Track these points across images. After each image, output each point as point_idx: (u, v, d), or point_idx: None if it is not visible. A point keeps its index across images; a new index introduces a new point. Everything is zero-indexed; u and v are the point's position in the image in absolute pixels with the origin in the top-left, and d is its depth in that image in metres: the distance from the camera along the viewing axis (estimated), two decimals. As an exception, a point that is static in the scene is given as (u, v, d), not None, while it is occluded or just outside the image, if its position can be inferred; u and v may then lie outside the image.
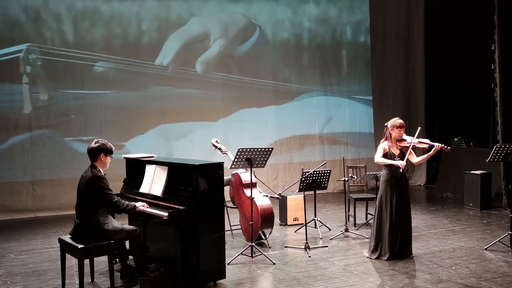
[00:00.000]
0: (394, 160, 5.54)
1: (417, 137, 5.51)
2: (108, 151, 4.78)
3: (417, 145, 5.50)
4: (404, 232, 5.60)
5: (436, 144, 5.42)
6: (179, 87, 9.40)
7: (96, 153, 4.73)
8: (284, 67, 10.29)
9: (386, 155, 5.59)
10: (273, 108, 10.16)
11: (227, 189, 5.92)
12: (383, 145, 5.62)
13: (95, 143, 4.76)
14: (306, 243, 6.07)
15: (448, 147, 5.45)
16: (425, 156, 5.61)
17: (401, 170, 5.51)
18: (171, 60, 9.38)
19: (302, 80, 10.42)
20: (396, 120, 5.61)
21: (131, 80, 9.08)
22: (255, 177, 6.18)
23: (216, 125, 9.67)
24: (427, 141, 5.52)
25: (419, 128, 5.71)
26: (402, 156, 5.58)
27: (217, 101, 9.68)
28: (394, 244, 5.56)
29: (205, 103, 9.57)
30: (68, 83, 8.73)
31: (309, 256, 5.80)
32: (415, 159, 5.66)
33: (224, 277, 4.93)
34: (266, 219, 6.22)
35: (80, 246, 4.48)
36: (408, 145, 5.50)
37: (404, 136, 5.59)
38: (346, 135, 10.79)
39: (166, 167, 5.02)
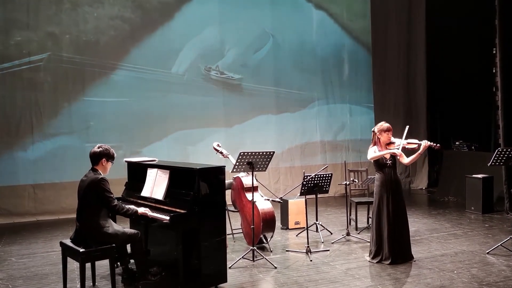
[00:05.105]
0: (385, 162, 5.58)
1: (405, 138, 5.56)
2: (110, 157, 4.80)
3: (406, 146, 5.56)
4: (403, 234, 5.62)
5: (423, 142, 5.46)
6: (194, 95, 9.51)
7: (99, 158, 4.75)
8: (295, 75, 10.37)
9: (377, 161, 5.62)
10: (287, 115, 10.29)
11: (228, 192, 5.92)
12: (373, 149, 5.66)
13: (98, 148, 4.79)
14: (308, 247, 6.06)
15: (438, 145, 5.48)
16: (415, 155, 5.62)
17: (397, 156, 5.54)
18: (187, 68, 9.52)
19: (310, 87, 10.50)
20: (383, 124, 5.67)
21: (148, 88, 9.20)
22: (257, 180, 6.18)
23: (231, 130, 9.78)
24: (415, 141, 5.58)
25: (407, 126, 5.72)
26: (393, 159, 5.62)
27: (232, 108, 9.81)
28: (394, 247, 5.55)
29: (220, 110, 9.73)
30: (85, 90, 8.82)
31: (311, 260, 5.79)
32: (405, 159, 5.67)
33: (226, 281, 4.92)
34: (268, 223, 6.21)
35: (81, 249, 4.48)
36: (397, 147, 5.54)
37: (393, 139, 5.65)
38: (347, 141, 10.82)
39: (168, 171, 5.02)
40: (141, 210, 4.81)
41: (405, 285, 4.92)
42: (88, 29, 8.86)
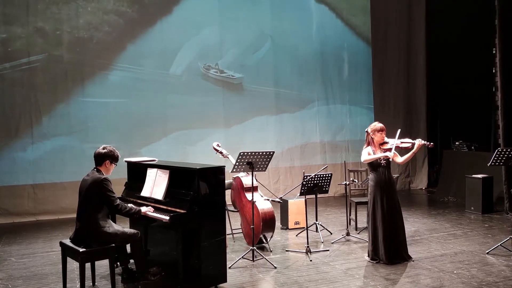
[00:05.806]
0: (380, 162, 5.59)
1: (398, 138, 5.58)
2: (114, 159, 4.82)
3: (400, 146, 5.59)
4: (398, 234, 5.63)
5: (417, 141, 5.51)
6: (193, 95, 9.51)
7: (103, 159, 4.76)
8: (295, 75, 10.38)
9: (371, 162, 5.63)
10: (286, 115, 10.30)
11: (228, 192, 5.92)
12: (367, 150, 5.66)
13: (103, 149, 4.80)
14: (307, 247, 6.06)
15: (431, 143, 5.54)
16: (409, 154, 5.64)
17: (390, 159, 5.54)
18: (186, 68, 9.51)
19: (309, 87, 10.50)
20: (377, 124, 5.70)
21: (147, 88, 9.19)
22: (256, 180, 6.18)
23: (231, 131, 9.79)
24: (409, 140, 5.63)
25: (399, 130, 5.73)
26: (387, 159, 5.62)
27: (231, 108, 9.82)
28: (390, 248, 5.55)
29: (219, 110, 9.73)
30: (84, 91, 8.82)
31: (310, 260, 5.79)
32: (399, 159, 5.70)
33: (225, 281, 4.92)
34: (267, 222, 6.21)
35: (81, 249, 4.48)
36: (391, 147, 5.56)
37: (386, 139, 5.68)
38: (347, 142, 10.83)
39: (168, 171, 5.02)
40: (144, 209, 4.82)
41: (405, 285, 4.92)
42: (86, 25, 8.80)
